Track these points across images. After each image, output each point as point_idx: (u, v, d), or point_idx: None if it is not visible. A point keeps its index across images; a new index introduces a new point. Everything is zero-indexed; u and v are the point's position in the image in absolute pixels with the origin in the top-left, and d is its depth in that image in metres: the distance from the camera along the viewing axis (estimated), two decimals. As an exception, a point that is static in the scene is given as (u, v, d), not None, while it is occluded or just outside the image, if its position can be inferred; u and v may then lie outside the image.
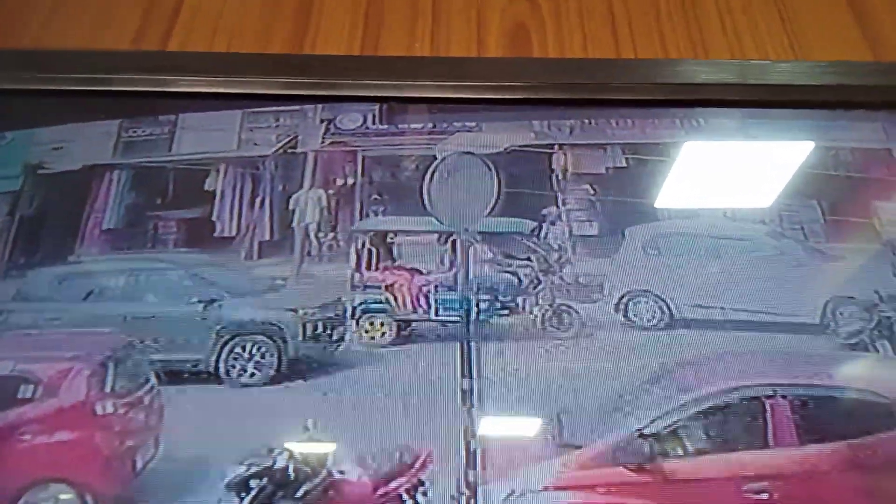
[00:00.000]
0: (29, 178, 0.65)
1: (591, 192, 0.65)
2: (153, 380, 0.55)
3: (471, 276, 0.61)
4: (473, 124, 0.68)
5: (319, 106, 0.69)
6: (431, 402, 0.54)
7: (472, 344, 0.57)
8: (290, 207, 0.64)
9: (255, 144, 0.67)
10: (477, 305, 0.59)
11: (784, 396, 0.54)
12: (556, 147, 0.67)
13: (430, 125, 0.68)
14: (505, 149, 0.66)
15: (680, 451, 0.52)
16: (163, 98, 0.68)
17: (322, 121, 0.68)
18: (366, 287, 0.61)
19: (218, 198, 0.64)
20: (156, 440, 0.53)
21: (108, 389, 0.55)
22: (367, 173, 0.66)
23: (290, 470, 0.52)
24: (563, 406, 0.54)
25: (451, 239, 0.62)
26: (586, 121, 0.68)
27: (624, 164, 0.66)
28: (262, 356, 0.58)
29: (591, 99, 0.68)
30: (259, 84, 0.68)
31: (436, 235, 0.63)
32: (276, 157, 0.67)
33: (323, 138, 0.67)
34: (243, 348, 0.58)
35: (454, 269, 0.61)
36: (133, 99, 0.68)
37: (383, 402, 0.55)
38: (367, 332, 0.58)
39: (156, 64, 0.69)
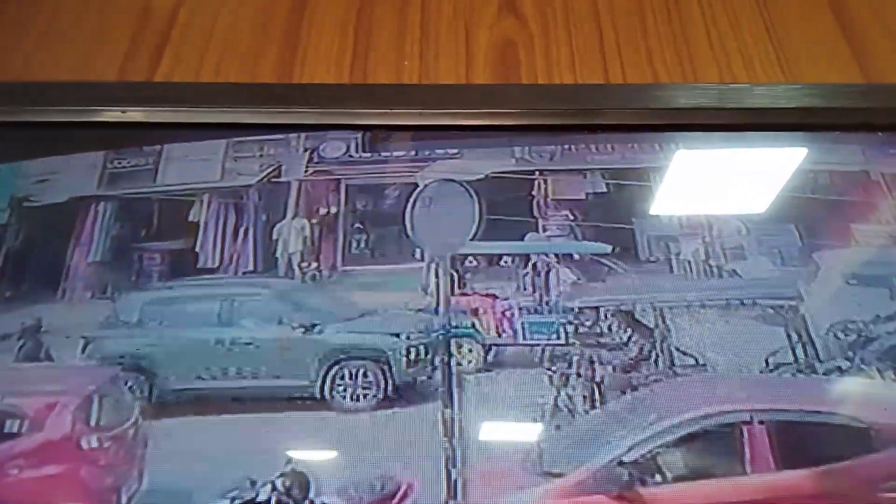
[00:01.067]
0: (15, 211, 0.66)
1: (571, 217, 0.65)
2: (136, 416, 0.56)
3: (554, 300, 0.61)
4: (455, 151, 0.68)
5: (303, 135, 0.69)
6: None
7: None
8: (274, 237, 0.64)
9: (239, 174, 0.68)
10: (564, 329, 0.59)
11: (761, 422, 0.54)
12: (537, 173, 0.67)
13: (413, 153, 0.68)
14: (486, 175, 0.67)
15: (659, 479, 0.53)
16: (147, 129, 0.69)
17: (305, 150, 0.69)
18: (452, 312, 0.61)
19: (202, 229, 0.65)
20: (140, 474, 0.53)
21: (92, 423, 0.55)
22: (350, 202, 0.66)
23: (273, 502, 0.52)
24: (544, 434, 0.55)
25: (531, 262, 0.63)
26: (566, 147, 0.68)
27: (604, 190, 0.67)
28: (368, 381, 0.58)
29: (572, 125, 0.68)
30: (242, 114, 0.68)
31: (512, 258, 0.63)
32: (259, 187, 0.67)
33: (306, 167, 0.68)
34: (348, 374, 0.58)
35: (537, 293, 0.61)
36: (118, 130, 0.69)
37: (376, 429, 0.55)
38: (455, 357, 0.59)
39: (140, 95, 0.70)
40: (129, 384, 0.58)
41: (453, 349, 0.58)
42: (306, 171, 0.68)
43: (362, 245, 0.64)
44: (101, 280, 0.62)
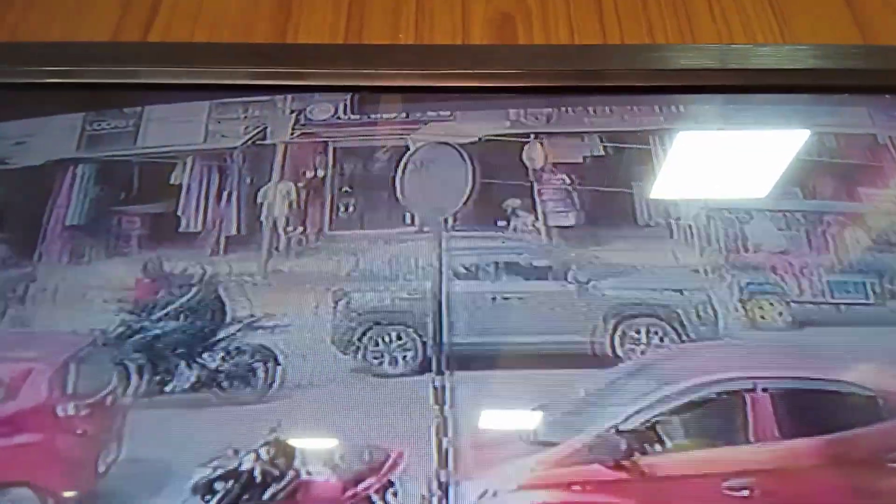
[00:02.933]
0: (-9, 173, 0.64)
1: (568, 181, 0.63)
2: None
3: (852, 259, 0.59)
4: (447, 113, 0.66)
5: (289, 96, 0.67)
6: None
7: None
8: (259, 201, 0.62)
9: (223, 136, 0.65)
10: (873, 289, 0.58)
11: (765, 390, 0.52)
12: (532, 136, 0.65)
13: (403, 114, 0.66)
14: (479, 138, 0.65)
15: (658, 447, 0.51)
16: (128, 90, 0.66)
17: (292, 111, 0.66)
18: (749, 268, 0.59)
19: (184, 192, 0.62)
20: (118, 442, 0.51)
21: (69, 391, 0.53)
22: (337, 165, 0.64)
23: (257, 472, 0.50)
24: (538, 402, 0.53)
25: (824, 220, 0.61)
26: (563, 109, 0.66)
27: (602, 153, 0.64)
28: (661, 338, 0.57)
29: (569, 87, 0.66)
30: (227, 74, 0.66)
31: (801, 215, 0.61)
32: (243, 150, 0.65)
33: (293, 129, 0.66)
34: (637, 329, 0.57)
35: (834, 251, 0.60)
36: (98, 91, 0.66)
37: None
38: (758, 313, 0.57)
39: (121, 55, 0.67)
40: (396, 335, 0.56)
41: (754, 305, 0.57)
42: (292, 134, 0.65)
43: (350, 209, 0.62)
44: (78, 244, 0.60)
